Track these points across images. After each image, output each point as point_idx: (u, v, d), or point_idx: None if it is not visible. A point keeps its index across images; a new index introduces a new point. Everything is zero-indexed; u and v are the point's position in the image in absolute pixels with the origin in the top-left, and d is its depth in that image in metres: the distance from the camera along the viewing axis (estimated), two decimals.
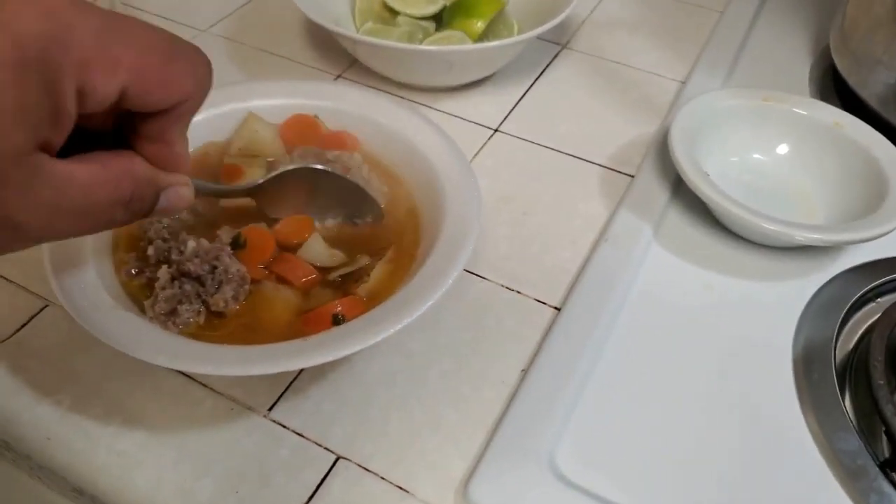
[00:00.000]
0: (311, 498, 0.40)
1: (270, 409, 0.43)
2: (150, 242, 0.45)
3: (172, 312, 0.42)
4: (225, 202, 0.49)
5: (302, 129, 0.54)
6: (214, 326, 0.43)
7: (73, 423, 0.42)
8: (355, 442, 0.42)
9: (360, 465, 0.41)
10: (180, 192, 0.34)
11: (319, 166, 0.47)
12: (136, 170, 0.32)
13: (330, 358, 0.37)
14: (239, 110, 0.53)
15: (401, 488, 0.40)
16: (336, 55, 0.71)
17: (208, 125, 0.52)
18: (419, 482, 0.41)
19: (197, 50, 0.31)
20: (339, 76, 0.69)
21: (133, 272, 0.44)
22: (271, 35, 0.74)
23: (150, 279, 0.44)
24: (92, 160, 0.30)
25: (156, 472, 0.40)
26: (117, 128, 0.32)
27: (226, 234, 0.46)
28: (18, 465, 0.46)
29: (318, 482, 0.40)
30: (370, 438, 0.42)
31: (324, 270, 0.46)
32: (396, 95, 0.67)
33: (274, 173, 0.46)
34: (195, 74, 0.31)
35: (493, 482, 0.39)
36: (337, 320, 0.43)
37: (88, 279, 0.41)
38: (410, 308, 0.40)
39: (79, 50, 0.26)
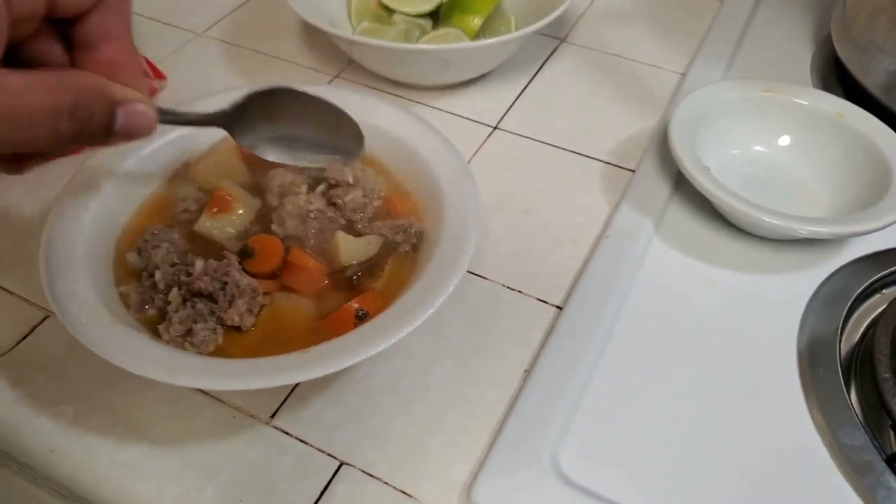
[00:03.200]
0: None
1: (273, 416, 0.43)
2: (152, 275, 0.43)
3: (188, 333, 0.41)
4: (201, 228, 0.47)
5: None
6: (234, 343, 0.42)
7: (75, 434, 0.42)
8: (358, 447, 0.42)
9: (363, 471, 0.41)
10: (139, 108, 0.34)
11: (292, 87, 0.45)
12: (80, 78, 0.32)
13: (331, 370, 0.37)
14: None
15: (405, 493, 0.40)
16: (333, 56, 0.71)
17: (188, 140, 0.51)
18: (423, 486, 0.40)
19: None
20: (336, 77, 0.69)
21: (146, 307, 0.43)
22: (268, 37, 0.73)
23: (160, 308, 0.43)
24: (32, 71, 0.30)
25: (158, 483, 0.40)
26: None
27: (232, 244, 0.46)
28: (23, 475, 0.46)
29: (321, 489, 0.40)
30: (373, 444, 0.42)
31: (340, 270, 0.46)
32: (394, 95, 0.67)
33: (244, 94, 0.44)
34: None
35: (497, 485, 0.39)
36: (360, 316, 0.43)
37: (86, 295, 0.40)
38: (410, 318, 0.39)
39: None
